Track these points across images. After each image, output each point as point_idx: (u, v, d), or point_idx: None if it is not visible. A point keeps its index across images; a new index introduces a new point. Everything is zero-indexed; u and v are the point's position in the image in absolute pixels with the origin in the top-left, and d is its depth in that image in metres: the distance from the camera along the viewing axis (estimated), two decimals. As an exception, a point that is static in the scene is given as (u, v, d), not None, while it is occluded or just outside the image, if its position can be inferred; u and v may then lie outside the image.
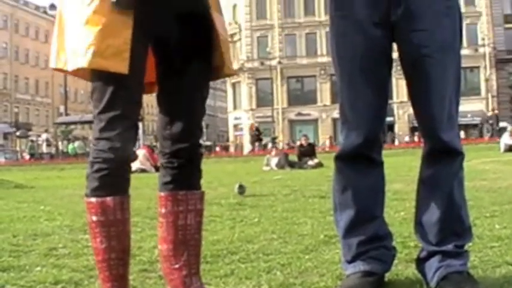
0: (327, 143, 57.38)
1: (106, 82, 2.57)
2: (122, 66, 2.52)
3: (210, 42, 2.74)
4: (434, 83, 2.86)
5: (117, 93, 2.56)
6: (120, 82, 2.54)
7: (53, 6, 48.77)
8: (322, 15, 66.48)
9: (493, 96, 65.09)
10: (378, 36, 2.88)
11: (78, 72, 2.66)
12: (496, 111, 48.99)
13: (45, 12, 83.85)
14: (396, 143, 55.10)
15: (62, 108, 76.40)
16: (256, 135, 56.97)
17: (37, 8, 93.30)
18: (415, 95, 2.96)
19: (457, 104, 2.97)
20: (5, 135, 73.37)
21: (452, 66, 2.91)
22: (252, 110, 70.54)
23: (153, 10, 2.63)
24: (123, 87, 2.56)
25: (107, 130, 2.58)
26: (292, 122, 70.41)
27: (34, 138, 66.58)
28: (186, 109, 2.78)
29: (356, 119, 2.96)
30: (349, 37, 2.92)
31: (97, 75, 2.59)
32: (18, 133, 71.65)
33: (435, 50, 2.84)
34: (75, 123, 57.22)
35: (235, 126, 73.93)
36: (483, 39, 66.10)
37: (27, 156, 53.84)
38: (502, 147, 27.44)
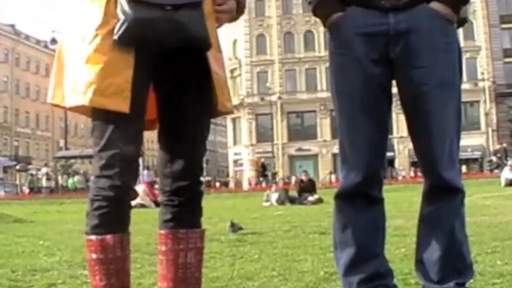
0: (328, 178, 57.25)
1: (106, 120, 2.58)
2: (123, 104, 2.53)
3: (208, 79, 2.75)
4: (434, 121, 2.86)
5: (118, 131, 2.57)
6: (121, 120, 2.55)
7: (54, 41, 48.90)
8: (322, 50, 66.85)
9: (493, 130, 65.17)
10: (377, 74, 2.89)
11: (79, 109, 2.67)
12: (505, 145, 48.70)
13: (46, 46, 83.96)
14: (401, 176, 55.15)
15: (62, 142, 76.25)
16: (262, 171, 57.07)
17: (38, 42, 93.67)
18: (415, 132, 2.96)
19: (458, 140, 2.97)
20: (5, 169, 73.16)
21: (453, 103, 2.92)
22: (252, 145, 70.60)
23: (154, 48, 2.65)
24: (123, 125, 2.57)
25: (107, 168, 2.58)
26: (292, 158, 70.40)
27: (34, 172, 66.39)
28: (187, 147, 2.78)
29: (356, 157, 2.95)
30: (348, 74, 2.93)
31: (98, 113, 2.60)
32: (18, 167, 71.42)
33: (435, 86, 2.84)
34: (75, 157, 57.14)
35: (235, 161, 73.92)
36: (483, 73, 66.37)
37: (26, 190, 53.69)
38: (503, 181, 27.35)
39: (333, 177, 55.27)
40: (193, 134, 2.80)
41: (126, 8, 2.54)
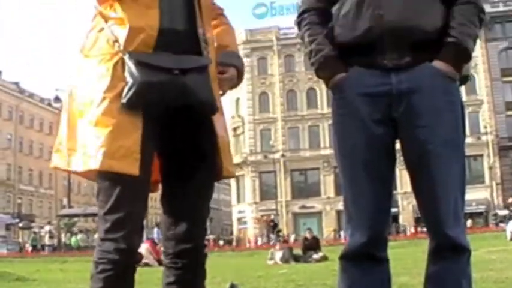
0: (332, 235, 56.89)
1: (113, 183, 2.58)
2: (133, 167, 2.54)
3: (212, 143, 2.76)
4: (439, 180, 2.84)
5: (124, 194, 2.57)
6: (128, 183, 2.55)
7: (57, 99, 49.18)
8: (324, 107, 67.19)
9: (497, 184, 64.94)
10: (380, 134, 2.89)
11: (84, 173, 2.67)
12: (515, 198, 48.30)
13: (49, 104, 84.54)
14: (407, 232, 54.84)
15: (65, 201, 76.17)
16: (272, 228, 56.74)
17: (42, 100, 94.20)
18: (420, 191, 2.94)
19: (463, 198, 2.94)
20: (8, 226, 72.94)
21: (457, 161, 2.90)
22: (255, 203, 70.37)
23: (161, 111, 2.67)
24: (130, 188, 2.57)
25: (112, 231, 2.57)
26: (296, 215, 70.07)
27: (37, 230, 66.07)
28: (190, 210, 2.78)
29: (360, 218, 2.94)
30: (351, 135, 2.93)
31: (104, 176, 2.60)
32: (20, 224, 71.20)
33: (438, 146, 2.83)
34: (78, 215, 57.00)
35: (239, 219, 73.56)
36: (485, 127, 66.46)
37: (29, 248, 53.36)
38: (509, 235, 27.12)
39: (342, 234, 54.89)
40: (197, 197, 2.80)
41: (134, 71, 2.57)
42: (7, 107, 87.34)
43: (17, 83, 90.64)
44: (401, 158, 2.95)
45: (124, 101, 2.57)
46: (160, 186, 2.91)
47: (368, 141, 2.88)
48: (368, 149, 2.88)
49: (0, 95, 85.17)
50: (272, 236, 54.56)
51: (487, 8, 56.10)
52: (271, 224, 57.54)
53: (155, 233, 27.97)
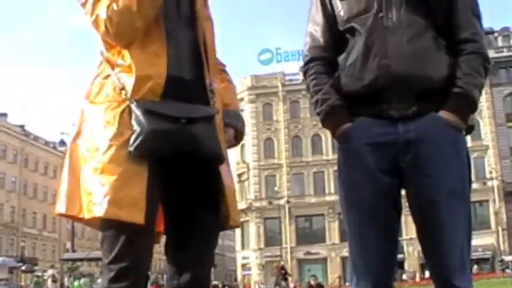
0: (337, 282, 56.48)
1: (118, 232, 2.57)
2: (138, 216, 2.52)
3: (217, 193, 2.75)
4: (445, 231, 2.82)
5: (129, 243, 2.55)
6: (133, 232, 2.54)
7: (62, 143, 49.44)
8: (329, 153, 67.23)
9: (503, 229, 64.55)
10: (387, 184, 2.87)
11: (88, 221, 2.66)
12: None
13: (54, 147, 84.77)
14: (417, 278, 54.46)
15: (68, 244, 75.83)
16: (283, 274, 56.33)
17: (47, 143, 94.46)
18: (425, 241, 2.91)
19: (469, 248, 2.92)
20: (10, 270, 72.47)
21: (463, 212, 2.88)
22: (260, 249, 70.03)
23: (167, 160, 2.66)
24: (135, 237, 2.55)
25: (116, 281, 2.55)
26: (300, 261, 69.67)
27: (40, 274, 65.74)
28: (195, 260, 2.76)
29: (365, 267, 2.91)
30: (357, 187, 2.91)
31: (109, 225, 2.59)
32: (23, 267, 70.83)
33: (445, 196, 2.81)
34: (81, 259, 56.72)
35: (243, 265, 73.17)
36: (491, 172, 66.29)
37: (32, 292, 53.10)
38: (514, 280, 27.01)
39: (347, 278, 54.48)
40: (202, 247, 2.78)
41: (142, 119, 2.58)
42: (12, 149, 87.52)
43: (22, 126, 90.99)
44: (406, 204, 2.93)
45: (131, 149, 2.57)
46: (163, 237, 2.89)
47: (374, 192, 2.87)
48: (374, 200, 2.87)
49: (5, 138, 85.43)
50: (284, 283, 54.19)
51: (491, 54, 56.52)
52: (282, 271, 57.17)
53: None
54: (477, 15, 3.04)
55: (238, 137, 3.05)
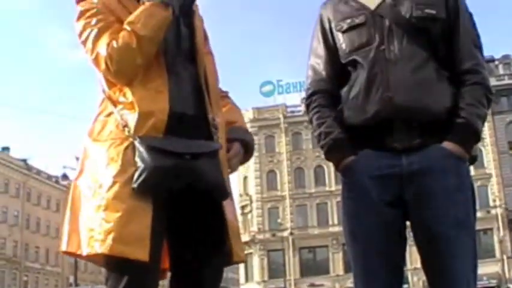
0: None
1: (123, 269, 2.55)
2: (142, 253, 2.51)
3: (222, 229, 2.74)
4: (450, 262, 2.81)
5: (134, 280, 2.54)
6: (138, 269, 2.52)
7: (65, 177, 49.43)
8: (332, 185, 67.15)
9: (508, 257, 64.11)
10: (391, 217, 2.87)
11: (93, 257, 2.64)
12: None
13: (57, 182, 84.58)
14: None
15: (71, 278, 75.51)
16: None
17: (49, 177, 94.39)
18: (431, 272, 2.90)
19: (475, 278, 2.91)
20: (13, 305, 72.39)
21: (468, 243, 2.87)
22: (264, 281, 69.63)
23: (171, 196, 2.65)
24: (140, 274, 2.54)
25: None
26: (304, 293, 69.28)
27: (42, 309, 65.66)
28: None
29: None
30: (362, 220, 2.91)
31: (113, 262, 2.57)
32: (26, 303, 70.69)
33: (449, 228, 2.81)
34: (84, 293, 56.63)
35: (248, 298, 72.81)
36: (494, 200, 66.00)
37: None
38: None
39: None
40: (207, 283, 2.77)
41: (146, 156, 2.58)
42: (14, 183, 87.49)
43: (24, 160, 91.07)
44: (411, 234, 2.93)
45: (135, 185, 2.56)
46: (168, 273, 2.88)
47: (378, 224, 2.86)
48: (378, 232, 2.86)
49: (7, 172, 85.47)
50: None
51: (493, 82, 56.36)
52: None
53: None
54: (478, 46, 3.06)
55: (248, 149, 3.03)
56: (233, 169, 2.98)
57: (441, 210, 2.82)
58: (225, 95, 3.20)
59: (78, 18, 2.82)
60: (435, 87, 2.91)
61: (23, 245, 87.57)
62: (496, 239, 65.19)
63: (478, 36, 3.09)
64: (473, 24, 3.10)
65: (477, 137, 2.95)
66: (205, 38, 3.09)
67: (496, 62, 70.74)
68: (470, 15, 3.11)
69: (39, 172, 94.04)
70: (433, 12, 2.97)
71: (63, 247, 2.72)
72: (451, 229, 2.81)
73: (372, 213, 2.87)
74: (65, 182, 54.27)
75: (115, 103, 2.73)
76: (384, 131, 2.90)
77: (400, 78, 2.89)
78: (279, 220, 69.89)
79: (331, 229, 67.87)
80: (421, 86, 2.88)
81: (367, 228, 2.88)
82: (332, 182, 67.83)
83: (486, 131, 65.20)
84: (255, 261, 70.50)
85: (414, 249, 2.94)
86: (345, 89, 3.05)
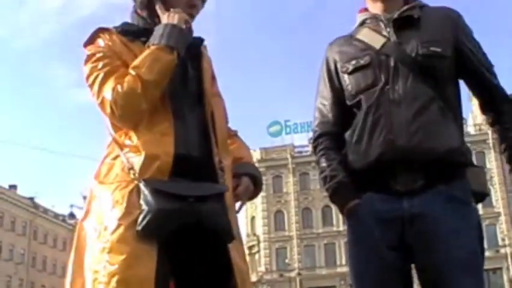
0: None
1: None
2: None
3: (229, 272, 2.72)
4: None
5: None
6: None
7: (72, 215, 49.33)
8: (340, 225, 66.81)
9: (520, 298, 63.53)
10: (395, 261, 2.86)
11: None
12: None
13: (64, 220, 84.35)
14: None
15: (77, 318, 75.11)
16: None
17: (56, 216, 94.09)
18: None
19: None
20: None
21: (473, 283, 2.84)
22: (271, 322, 69.14)
23: (176, 239, 2.64)
24: None
25: None
26: (312, 333, 68.63)
27: None
28: None
29: None
30: (366, 261, 2.92)
31: None
32: None
33: (454, 270, 2.79)
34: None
35: (255, 337, 72.13)
36: (503, 239, 65.54)
37: None
38: None
39: None
40: None
41: (150, 199, 2.58)
42: (21, 222, 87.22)
43: (31, 198, 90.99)
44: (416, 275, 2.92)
45: (139, 228, 2.56)
46: None
47: (382, 267, 2.86)
48: (385, 277, 2.86)
49: (14, 210, 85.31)
50: None
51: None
52: None
53: None
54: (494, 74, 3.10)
55: (257, 184, 3.02)
56: (243, 202, 2.97)
57: (445, 253, 2.80)
58: (234, 134, 3.20)
59: (86, 62, 2.84)
60: (438, 129, 2.91)
61: (29, 283, 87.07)
62: (505, 278, 64.63)
63: (491, 65, 3.11)
64: (483, 54, 3.11)
65: None
66: (213, 78, 3.09)
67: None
68: (478, 43, 3.12)
69: (46, 210, 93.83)
70: (439, 50, 2.98)
71: None
72: (456, 271, 2.79)
73: (375, 257, 2.87)
74: (71, 221, 54.08)
75: (121, 146, 2.74)
76: (386, 174, 2.90)
77: (402, 120, 2.89)
78: (286, 260, 69.56)
79: (339, 269, 67.41)
80: (425, 127, 2.89)
81: (371, 271, 2.88)
82: (340, 222, 67.48)
83: (494, 169, 65.00)
84: (263, 302, 69.96)
85: (420, 289, 2.92)
86: (348, 133, 3.06)
